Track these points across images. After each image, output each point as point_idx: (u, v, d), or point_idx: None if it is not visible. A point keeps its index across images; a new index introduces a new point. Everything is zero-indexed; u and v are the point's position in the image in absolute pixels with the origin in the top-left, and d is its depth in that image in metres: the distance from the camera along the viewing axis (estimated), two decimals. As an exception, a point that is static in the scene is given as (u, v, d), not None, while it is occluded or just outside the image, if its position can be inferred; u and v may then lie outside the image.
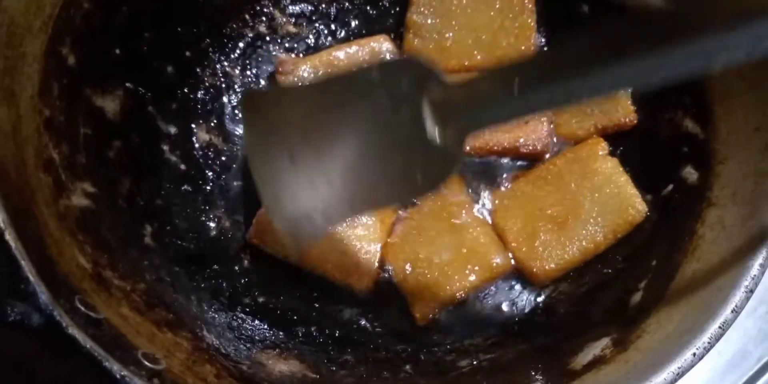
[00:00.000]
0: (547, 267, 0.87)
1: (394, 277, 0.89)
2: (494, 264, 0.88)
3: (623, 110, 0.92)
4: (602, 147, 0.90)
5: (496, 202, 0.91)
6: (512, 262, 0.89)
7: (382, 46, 0.96)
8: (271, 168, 0.72)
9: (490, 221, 0.93)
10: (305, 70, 0.94)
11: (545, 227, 0.88)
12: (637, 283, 0.81)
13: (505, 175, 0.95)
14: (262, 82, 1.00)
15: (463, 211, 0.91)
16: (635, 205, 0.86)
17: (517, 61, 0.58)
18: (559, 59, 0.55)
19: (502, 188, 0.94)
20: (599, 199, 0.87)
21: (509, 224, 0.90)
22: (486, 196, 0.95)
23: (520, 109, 0.57)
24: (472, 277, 0.87)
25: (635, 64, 0.49)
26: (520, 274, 0.90)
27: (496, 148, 0.94)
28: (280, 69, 0.94)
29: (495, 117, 0.59)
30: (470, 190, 0.94)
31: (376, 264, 0.89)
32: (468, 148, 0.94)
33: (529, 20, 0.96)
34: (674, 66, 0.48)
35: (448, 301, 0.88)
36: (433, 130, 0.61)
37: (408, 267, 0.88)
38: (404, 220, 0.92)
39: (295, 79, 0.94)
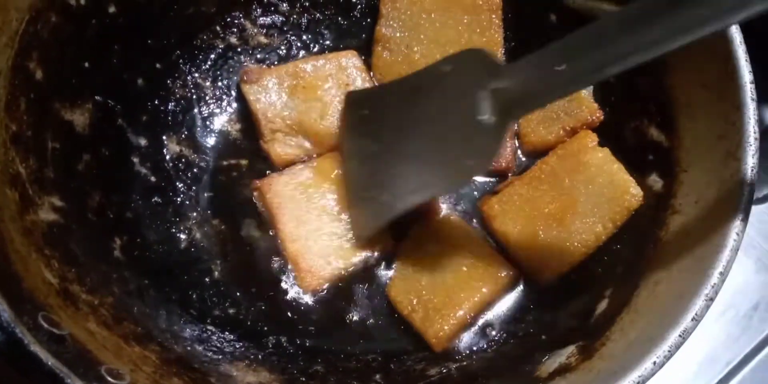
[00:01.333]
0: (551, 264, 0.87)
1: (402, 311, 0.89)
2: (500, 275, 0.88)
3: (588, 109, 0.93)
4: (591, 139, 0.90)
5: (496, 207, 0.92)
6: (513, 269, 0.89)
7: (350, 61, 0.97)
8: (361, 152, 0.88)
9: (483, 233, 0.94)
10: (270, 80, 0.95)
11: (545, 226, 0.88)
12: (603, 291, 0.82)
13: (474, 194, 0.97)
14: (234, 93, 1.00)
15: (453, 231, 0.92)
16: (629, 190, 0.86)
17: (559, 42, 0.67)
18: (598, 32, 0.65)
19: (496, 194, 0.94)
20: (594, 190, 0.88)
21: (509, 228, 0.90)
22: (470, 211, 0.96)
23: (569, 85, 0.68)
24: (481, 294, 0.87)
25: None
26: (525, 276, 0.91)
27: None
28: (245, 78, 0.95)
29: (548, 100, 0.72)
30: (451, 209, 0.96)
31: (332, 276, 0.89)
32: None
33: (497, 35, 0.98)
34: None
35: (463, 323, 0.87)
36: (489, 114, 0.72)
37: (413, 298, 0.88)
38: (401, 254, 0.93)
39: (260, 88, 0.95)
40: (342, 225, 0.91)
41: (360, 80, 0.97)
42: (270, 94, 0.95)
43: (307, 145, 0.95)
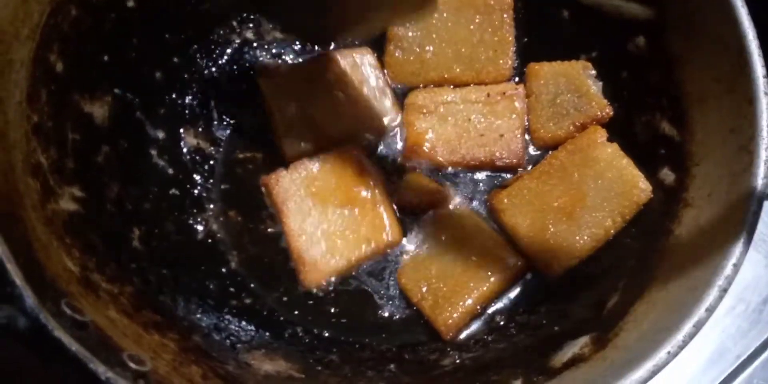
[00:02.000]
0: (560, 258, 0.88)
1: (411, 298, 0.90)
2: (508, 265, 0.89)
3: (597, 104, 0.94)
4: (601, 134, 0.91)
5: (505, 201, 0.92)
6: (522, 259, 0.90)
7: (365, 58, 0.98)
8: None
9: (493, 225, 0.94)
10: (286, 75, 0.96)
11: (554, 219, 0.89)
12: (616, 283, 0.82)
13: (484, 188, 0.98)
14: (250, 87, 1.00)
15: (463, 222, 0.93)
16: (638, 184, 0.87)
17: None
18: None
19: (505, 188, 0.95)
20: (603, 185, 0.88)
21: (519, 221, 0.91)
22: (481, 205, 0.96)
23: None
24: (489, 283, 0.88)
25: None
26: (533, 269, 0.91)
27: (473, 162, 0.96)
28: (261, 72, 0.96)
29: None
30: (462, 201, 0.96)
31: (336, 271, 0.90)
32: (446, 163, 0.97)
33: (508, 34, 0.99)
34: None
35: (471, 312, 0.88)
36: None
37: (423, 286, 0.90)
38: (410, 241, 0.94)
39: (276, 84, 0.95)
40: (348, 220, 0.91)
41: (374, 77, 0.97)
42: (285, 89, 0.96)
43: (319, 141, 0.96)
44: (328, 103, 0.96)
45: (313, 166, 0.93)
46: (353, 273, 0.92)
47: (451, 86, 1.00)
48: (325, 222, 0.91)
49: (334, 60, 0.97)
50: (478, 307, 0.88)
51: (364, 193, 0.92)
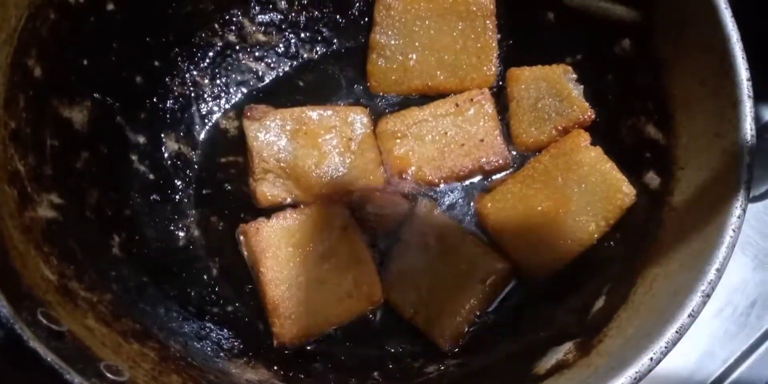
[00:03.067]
0: (544, 262, 0.88)
1: (404, 314, 0.88)
2: (497, 270, 0.88)
3: (579, 108, 0.94)
4: (584, 138, 0.91)
5: (489, 205, 0.92)
6: (509, 263, 0.90)
7: (358, 117, 0.96)
8: None
9: (477, 231, 0.94)
10: (274, 120, 0.94)
11: (538, 223, 0.88)
12: (601, 287, 0.82)
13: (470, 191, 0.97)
14: (232, 91, 1.01)
15: (445, 231, 0.91)
16: (622, 189, 0.87)
17: None
18: None
19: (489, 193, 0.95)
20: (586, 189, 0.88)
21: (503, 226, 0.91)
22: (470, 213, 0.96)
23: None
24: (482, 288, 0.87)
25: None
26: (517, 274, 0.91)
27: (462, 173, 0.96)
28: (248, 114, 0.94)
29: None
30: (454, 211, 0.96)
31: (312, 327, 0.86)
32: (437, 180, 0.96)
33: (491, 40, 0.98)
34: None
35: (468, 320, 0.87)
36: None
37: (414, 300, 0.88)
38: (393, 258, 0.92)
39: (261, 127, 0.93)
40: (329, 275, 0.88)
41: (362, 137, 0.95)
42: (270, 134, 0.94)
43: (296, 190, 0.94)
44: (313, 155, 0.94)
45: (296, 218, 0.89)
46: (330, 331, 0.89)
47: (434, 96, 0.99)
48: (304, 274, 0.87)
49: (327, 114, 0.95)
50: (473, 314, 0.87)
51: (346, 249, 0.90)
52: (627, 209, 0.87)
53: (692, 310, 0.67)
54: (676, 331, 0.66)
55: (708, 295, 0.67)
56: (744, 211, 0.71)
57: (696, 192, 0.77)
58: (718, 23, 0.75)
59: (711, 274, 0.68)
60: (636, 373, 0.64)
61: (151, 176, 0.93)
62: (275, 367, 0.83)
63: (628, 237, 0.85)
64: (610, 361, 0.69)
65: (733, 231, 0.70)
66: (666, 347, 0.65)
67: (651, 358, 0.65)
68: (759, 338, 0.98)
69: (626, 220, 0.87)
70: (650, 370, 0.65)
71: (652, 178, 0.85)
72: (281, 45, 1.03)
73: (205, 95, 0.99)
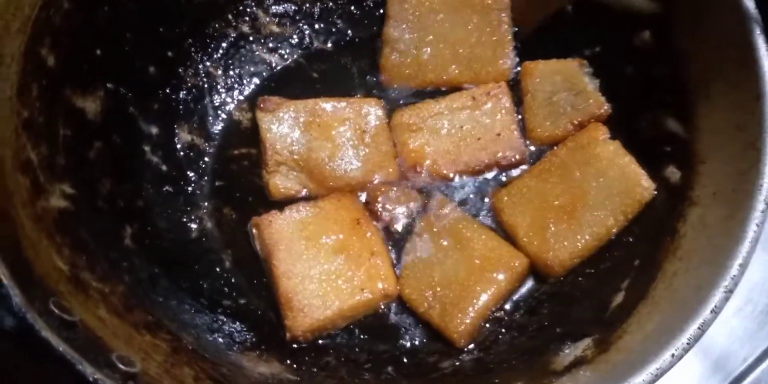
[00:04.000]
0: (561, 257, 0.86)
1: (417, 309, 0.87)
2: (513, 265, 0.87)
3: (595, 102, 0.92)
4: (602, 132, 0.89)
5: (505, 199, 0.91)
6: (525, 258, 0.88)
7: (373, 109, 0.95)
8: None
9: (492, 226, 0.92)
10: (287, 112, 0.93)
11: (554, 218, 0.87)
12: (620, 283, 0.80)
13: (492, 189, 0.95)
14: (245, 82, 1.00)
15: (459, 226, 0.90)
16: (641, 182, 0.85)
17: None
18: None
19: (505, 187, 0.93)
20: (605, 183, 0.86)
21: (518, 220, 0.89)
22: (485, 207, 0.94)
23: None
24: (497, 284, 0.86)
25: None
26: (533, 270, 0.89)
27: (477, 167, 0.94)
28: (261, 106, 0.93)
29: None
30: (468, 205, 0.94)
31: (326, 319, 0.84)
32: (452, 174, 0.94)
33: (506, 34, 0.97)
34: None
35: (483, 316, 0.85)
36: None
37: (428, 294, 0.87)
38: (407, 252, 0.91)
39: (275, 119, 0.93)
40: (342, 268, 0.86)
41: (376, 130, 0.94)
42: (283, 126, 0.93)
43: (309, 183, 0.93)
44: (326, 147, 0.93)
45: (309, 211, 0.89)
46: (343, 326, 0.87)
47: (445, 89, 0.98)
48: (317, 267, 0.86)
49: (341, 106, 0.94)
50: (488, 309, 0.86)
51: (359, 243, 0.88)
52: (646, 204, 0.85)
53: (714, 306, 0.65)
54: (698, 327, 0.65)
55: (731, 291, 0.66)
56: (767, 205, 0.69)
57: (717, 186, 0.76)
58: (740, 14, 0.74)
59: (734, 270, 0.66)
60: (657, 369, 0.63)
61: (164, 167, 0.93)
62: (288, 361, 0.82)
63: (648, 232, 0.83)
64: (629, 358, 0.68)
65: (757, 226, 0.68)
66: (688, 343, 0.64)
67: (672, 355, 0.64)
68: (779, 337, 0.96)
69: (645, 214, 0.85)
70: (671, 367, 0.64)
71: (673, 172, 0.83)
72: (295, 36, 1.02)
73: (219, 86, 0.99)
